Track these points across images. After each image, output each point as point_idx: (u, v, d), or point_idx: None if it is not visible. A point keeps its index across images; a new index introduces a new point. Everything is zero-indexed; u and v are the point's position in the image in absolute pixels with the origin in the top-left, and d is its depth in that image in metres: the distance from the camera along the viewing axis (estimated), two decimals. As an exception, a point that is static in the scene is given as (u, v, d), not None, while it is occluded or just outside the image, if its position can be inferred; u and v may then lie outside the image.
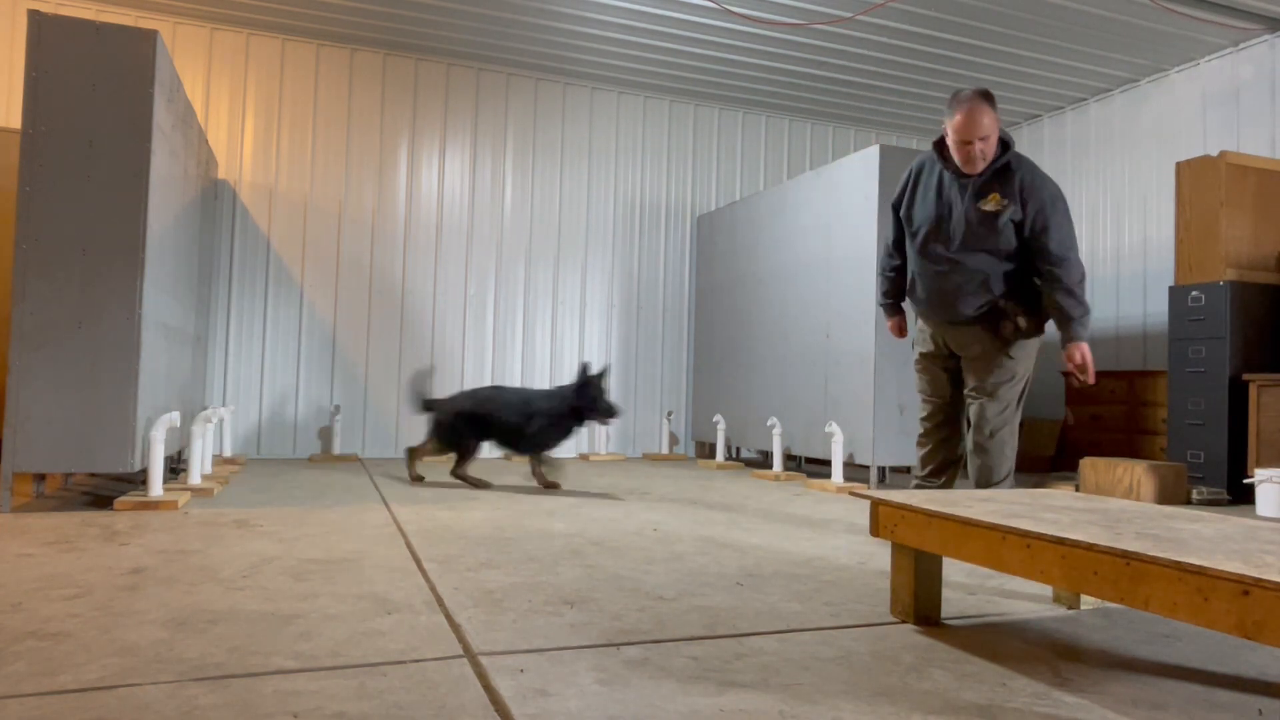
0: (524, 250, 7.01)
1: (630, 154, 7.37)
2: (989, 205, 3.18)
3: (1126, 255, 6.87)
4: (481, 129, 6.92)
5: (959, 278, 3.27)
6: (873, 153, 5.26)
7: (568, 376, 7.20)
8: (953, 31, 6.03)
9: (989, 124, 3.11)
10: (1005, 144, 3.21)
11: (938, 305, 3.37)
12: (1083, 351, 3.20)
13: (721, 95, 7.43)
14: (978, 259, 3.24)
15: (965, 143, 3.14)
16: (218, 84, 6.24)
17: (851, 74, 6.87)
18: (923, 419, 3.57)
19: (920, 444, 3.56)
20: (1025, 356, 3.34)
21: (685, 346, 7.47)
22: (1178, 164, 5.53)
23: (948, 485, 3.53)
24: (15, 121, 5.62)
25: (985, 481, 3.35)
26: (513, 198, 6.99)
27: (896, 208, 3.51)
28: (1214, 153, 5.71)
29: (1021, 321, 3.25)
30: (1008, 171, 3.20)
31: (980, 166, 3.18)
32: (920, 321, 3.56)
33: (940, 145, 3.30)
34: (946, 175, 3.29)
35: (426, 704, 1.57)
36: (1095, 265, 7.12)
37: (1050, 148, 7.60)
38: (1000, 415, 3.31)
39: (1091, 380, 3.27)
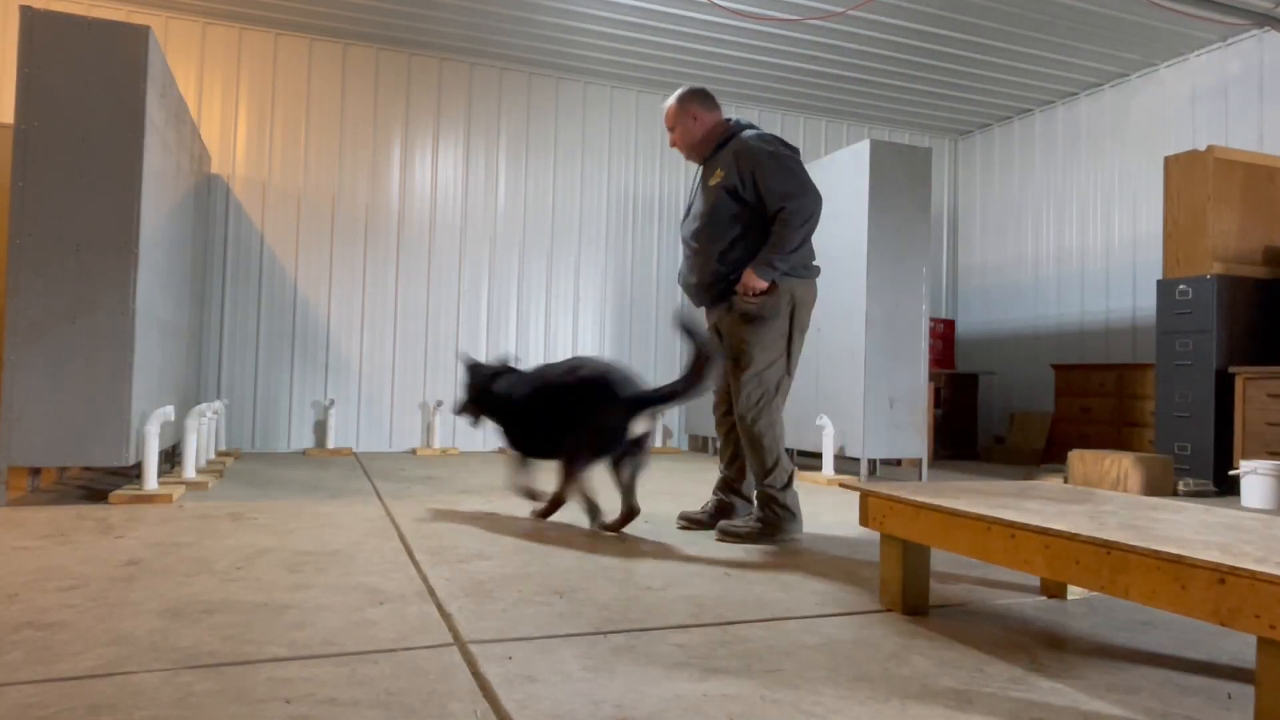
0: (517, 244, 7.03)
1: (623, 148, 7.39)
2: (713, 181, 3.30)
3: (1116, 249, 6.91)
4: (475, 123, 6.92)
5: (697, 259, 3.35)
6: (863, 147, 5.29)
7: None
8: (943, 26, 6.06)
9: (673, 114, 3.41)
10: (735, 129, 3.35)
11: (689, 291, 3.44)
12: (751, 280, 3.14)
13: (715, 90, 7.38)
14: (707, 236, 3.29)
15: (670, 132, 3.45)
16: (210, 79, 6.24)
17: (844, 69, 6.89)
18: (714, 409, 3.57)
19: (718, 435, 3.56)
20: (766, 331, 3.21)
21: (679, 341, 7.49)
22: (1166, 159, 5.57)
23: (741, 474, 3.45)
24: (8, 117, 5.61)
25: (756, 474, 3.26)
26: (506, 192, 7.01)
27: None
28: (1202, 147, 5.75)
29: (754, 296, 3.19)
30: (723, 146, 3.35)
31: (687, 153, 3.44)
32: None
33: None
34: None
35: (416, 690, 1.60)
36: (1086, 259, 7.16)
37: (1040, 142, 7.63)
38: (755, 404, 3.21)
39: (755, 303, 3.17)
